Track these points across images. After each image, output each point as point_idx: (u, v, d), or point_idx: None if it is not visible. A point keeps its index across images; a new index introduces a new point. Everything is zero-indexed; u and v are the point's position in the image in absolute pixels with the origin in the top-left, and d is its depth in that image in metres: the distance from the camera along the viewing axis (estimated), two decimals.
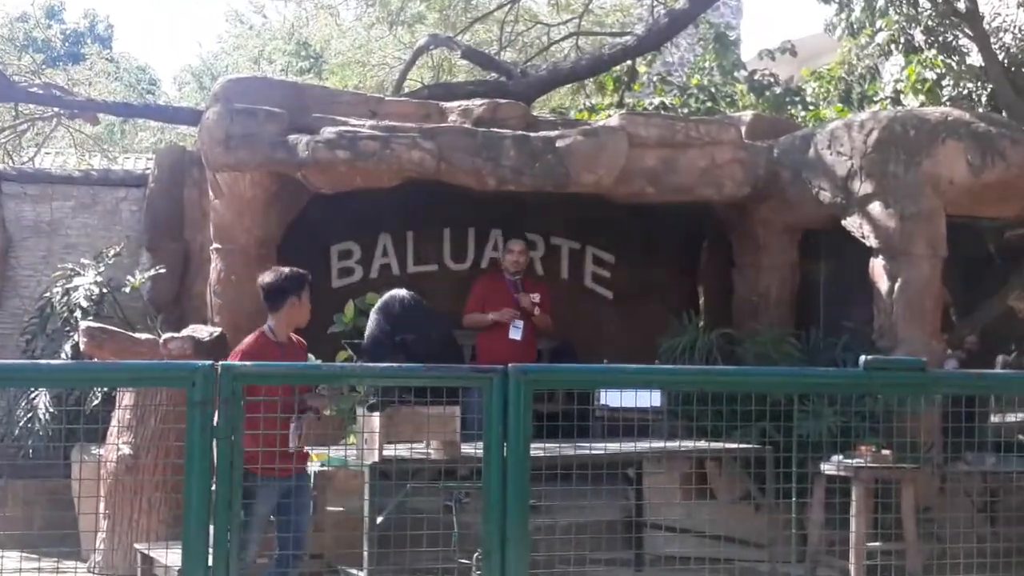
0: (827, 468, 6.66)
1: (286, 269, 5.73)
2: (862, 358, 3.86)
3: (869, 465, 6.55)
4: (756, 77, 12.89)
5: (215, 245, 8.25)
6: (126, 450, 6.73)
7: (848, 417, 7.05)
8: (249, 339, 5.56)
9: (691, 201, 8.48)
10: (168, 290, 8.78)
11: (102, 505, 6.75)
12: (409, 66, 12.35)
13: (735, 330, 8.54)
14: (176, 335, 6.96)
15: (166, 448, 6.59)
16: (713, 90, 12.81)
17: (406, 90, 12.15)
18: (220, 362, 3.65)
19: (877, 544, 6.52)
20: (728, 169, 8.29)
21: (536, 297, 8.11)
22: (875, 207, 7.75)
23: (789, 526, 5.71)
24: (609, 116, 11.40)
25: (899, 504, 6.60)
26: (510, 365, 3.87)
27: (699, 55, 14.62)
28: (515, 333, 8.01)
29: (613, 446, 6.32)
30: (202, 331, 7.25)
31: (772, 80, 12.98)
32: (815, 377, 4.30)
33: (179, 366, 4.02)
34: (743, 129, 8.69)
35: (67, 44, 25.39)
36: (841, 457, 6.64)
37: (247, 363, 3.89)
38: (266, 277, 5.66)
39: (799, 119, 12.31)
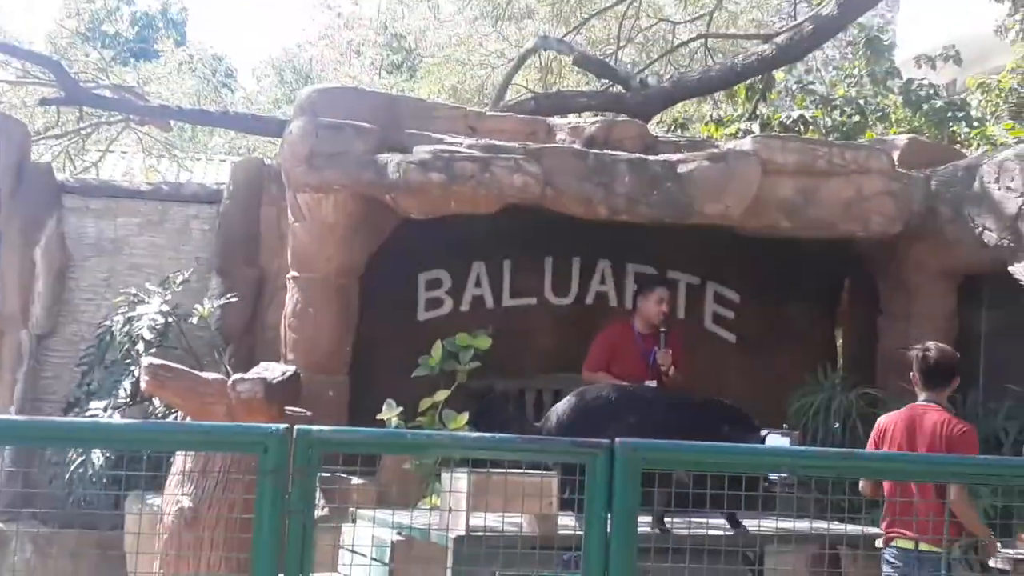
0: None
1: (949, 348, 6.20)
2: None
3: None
4: (912, 87, 12.67)
5: (292, 273, 8.40)
6: (186, 502, 6.87)
7: (1009, 498, 6.87)
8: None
9: (832, 237, 8.39)
10: (240, 320, 8.92)
11: (156, 564, 6.91)
12: (515, 69, 12.46)
13: (879, 387, 8.41)
14: (245, 376, 7.07)
15: (230, 502, 6.70)
16: (862, 102, 12.62)
17: (510, 96, 12.26)
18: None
19: None
20: (877, 202, 8.18)
21: (669, 353, 7.79)
22: None
23: None
24: (739, 131, 11.36)
25: None
26: (618, 440, 3.89)
27: (846, 56, 14.45)
28: None
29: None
30: (274, 370, 7.34)
31: (932, 91, 12.74)
32: (971, 466, 4.22)
33: (250, 430, 4.12)
34: (896, 155, 8.57)
35: (138, 28, 26.23)
36: (999, 546, 6.47)
37: (325, 428, 3.96)
38: (932, 352, 5.99)
39: (961, 136, 12.08)
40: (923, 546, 5.65)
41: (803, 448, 4.25)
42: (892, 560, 5.82)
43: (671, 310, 9.07)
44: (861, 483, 5.75)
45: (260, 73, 27.93)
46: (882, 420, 6.09)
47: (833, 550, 7.45)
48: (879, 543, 5.97)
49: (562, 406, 6.56)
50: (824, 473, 4.63)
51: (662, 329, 7.88)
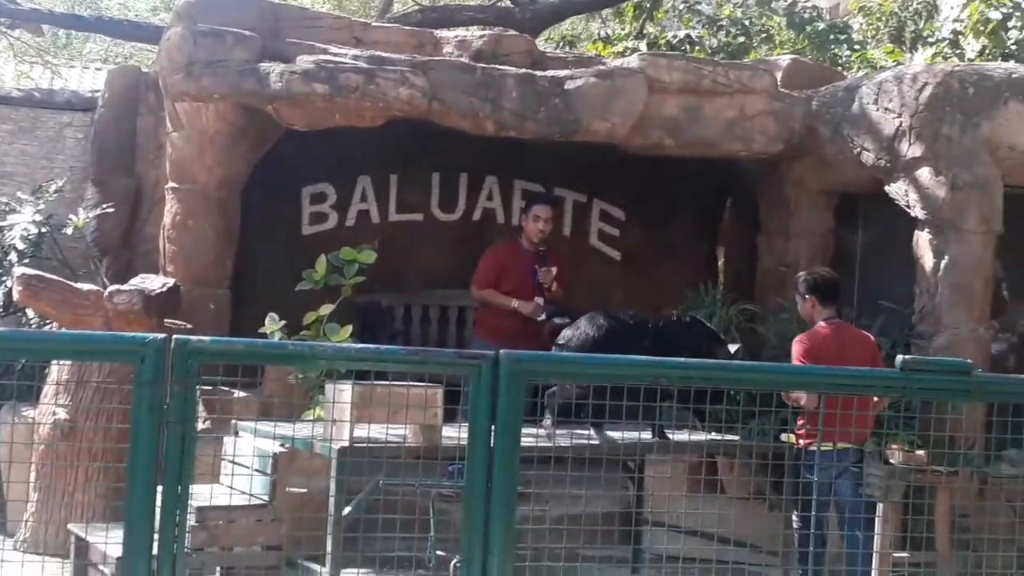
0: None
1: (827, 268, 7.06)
2: (899, 358, 3.89)
3: (901, 466, 6.60)
4: (796, 10, 12.81)
5: (171, 184, 8.22)
6: (62, 414, 6.76)
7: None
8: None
9: (715, 156, 8.46)
10: (116, 231, 8.74)
11: (32, 475, 6.79)
12: None
13: (758, 303, 8.57)
14: (123, 287, 6.95)
15: (108, 413, 6.61)
16: (747, 23, 12.72)
17: (396, 8, 12.06)
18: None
19: (905, 554, 6.58)
20: (759, 122, 8.27)
21: (554, 271, 7.95)
22: (924, 173, 7.74)
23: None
24: (626, 49, 11.36)
25: (932, 509, 6.64)
26: (502, 352, 3.90)
27: None
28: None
29: (614, 435, 6.38)
30: (153, 282, 7.24)
31: (815, 14, 12.90)
32: (843, 378, 4.31)
33: (126, 339, 4.01)
34: (779, 76, 8.65)
35: None
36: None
37: (205, 338, 3.88)
38: (823, 272, 6.85)
39: (843, 59, 12.27)
40: (841, 444, 6.10)
41: (682, 360, 4.30)
42: (816, 463, 6.16)
43: (558, 227, 9.14)
44: (799, 394, 6.09)
45: None
46: (808, 337, 6.52)
47: (711, 459, 7.65)
48: (798, 443, 6.41)
49: (583, 329, 6.89)
50: (703, 384, 4.71)
51: (540, 248, 7.94)
